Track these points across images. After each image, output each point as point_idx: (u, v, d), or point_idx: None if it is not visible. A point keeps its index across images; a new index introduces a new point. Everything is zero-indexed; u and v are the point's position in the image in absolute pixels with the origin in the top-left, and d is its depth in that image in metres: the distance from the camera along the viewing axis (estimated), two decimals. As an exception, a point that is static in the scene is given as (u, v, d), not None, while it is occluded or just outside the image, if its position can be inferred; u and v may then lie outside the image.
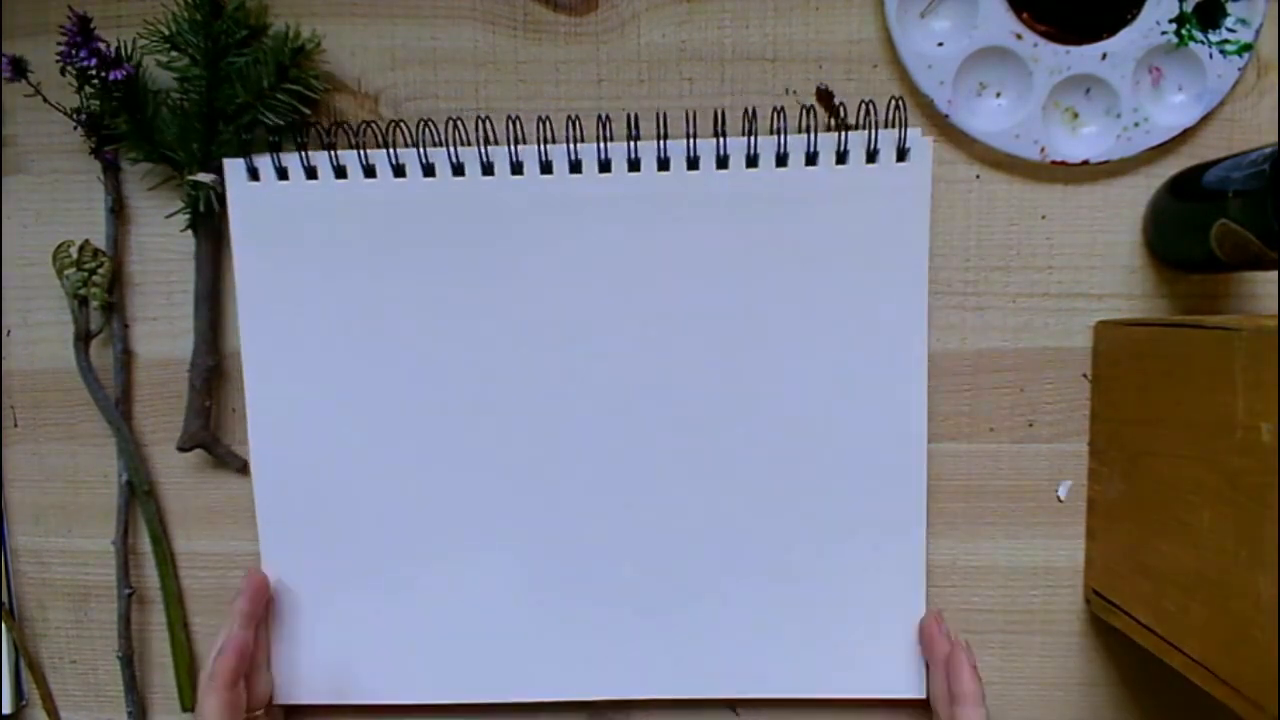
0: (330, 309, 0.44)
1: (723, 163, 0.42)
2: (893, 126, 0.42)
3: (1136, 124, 0.42)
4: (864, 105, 0.42)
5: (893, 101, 0.42)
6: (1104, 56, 0.41)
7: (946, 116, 0.42)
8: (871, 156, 0.42)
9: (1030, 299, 0.44)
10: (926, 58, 0.42)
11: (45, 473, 0.48)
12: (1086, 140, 0.43)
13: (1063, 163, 0.43)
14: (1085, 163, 0.42)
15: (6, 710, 0.49)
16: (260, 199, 0.44)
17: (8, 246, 0.47)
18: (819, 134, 0.42)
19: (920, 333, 0.43)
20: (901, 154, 0.42)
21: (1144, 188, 0.43)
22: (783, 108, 0.42)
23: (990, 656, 0.47)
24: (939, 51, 0.42)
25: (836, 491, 0.44)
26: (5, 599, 0.49)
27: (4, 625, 0.48)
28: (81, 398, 0.47)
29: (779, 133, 0.42)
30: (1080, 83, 0.42)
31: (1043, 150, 0.42)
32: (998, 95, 0.43)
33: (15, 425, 0.48)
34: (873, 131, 0.41)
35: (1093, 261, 0.44)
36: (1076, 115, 0.43)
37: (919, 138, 0.42)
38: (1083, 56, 0.41)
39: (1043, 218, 0.44)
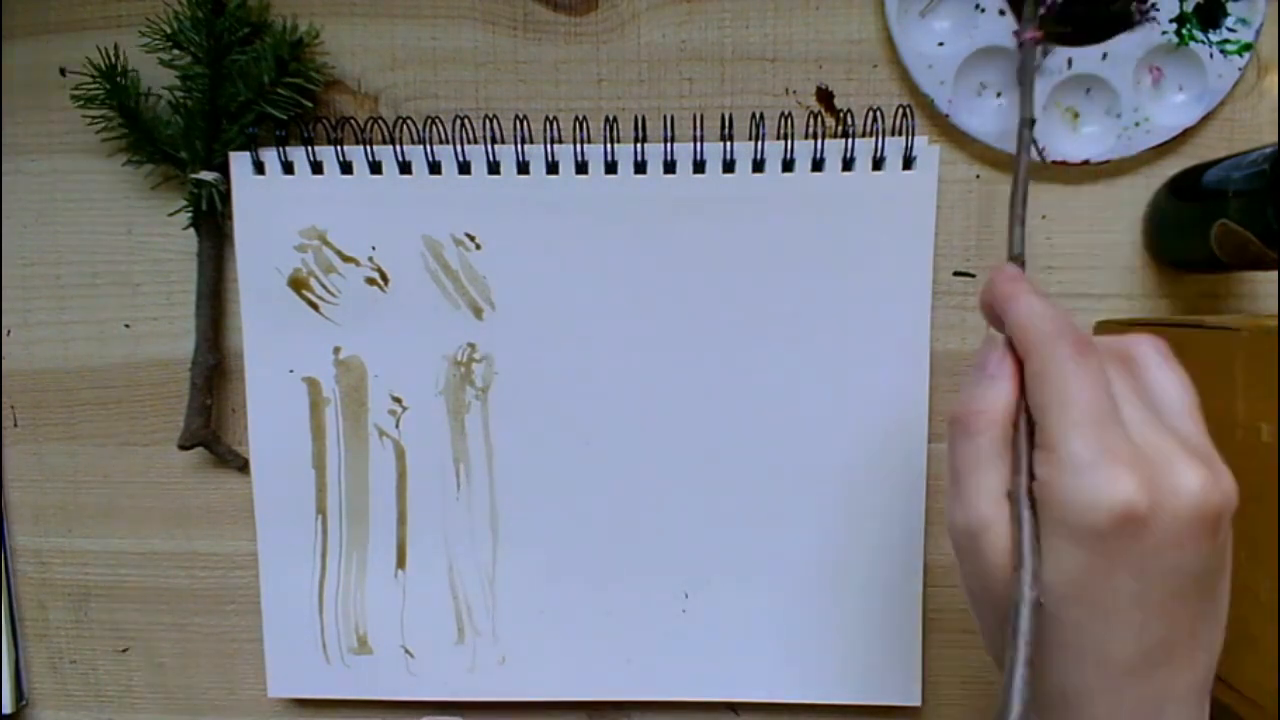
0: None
1: (729, 167, 0.42)
2: (899, 134, 0.42)
3: (1137, 124, 0.42)
4: (871, 112, 0.42)
5: (900, 109, 0.42)
6: (1104, 56, 0.41)
7: (947, 116, 0.42)
8: (878, 164, 0.42)
9: (1030, 299, 0.44)
10: (927, 57, 0.42)
11: (45, 473, 0.48)
12: (1087, 140, 0.43)
13: (1063, 162, 0.43)
14: (1086, 162, 0.42)
15: (6, 710, 0.49)
16: (264, 193, 0.44)
17: (8, 246, 0.47)
18: (825, 140, 0.42)
19: (923, 335, 0.43)
20: (908, 162, 0.42)
21: (1144, 188, 0.43)
22: (790, 113, 0.42)
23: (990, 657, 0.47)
24: (939, 51, 0.42)
25: (837, 491, 0.44)
26: (5, 599, 0.49)
27: (4, 625, 0.48)
28: (81, 398, 0.47)
29: (785, 138, 0.42)
30: (1081, 83, 0.42)
31: (1043, 150, 0.42)
32: (998, 95, 0.43)
33: (15, 425, 0.48)
34: (879, 139, 0.41)
35: (1093, 261, 0.44)
36: (1077, 115, 0.43)
37: (926, 146, 0.42)
38: (1083, 56, 0.41)
39: (1043, 218, 0.44)
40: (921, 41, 0.42)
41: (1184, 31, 0.41)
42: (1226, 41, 0.41)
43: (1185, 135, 0.42)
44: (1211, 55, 0.41)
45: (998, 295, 0.30)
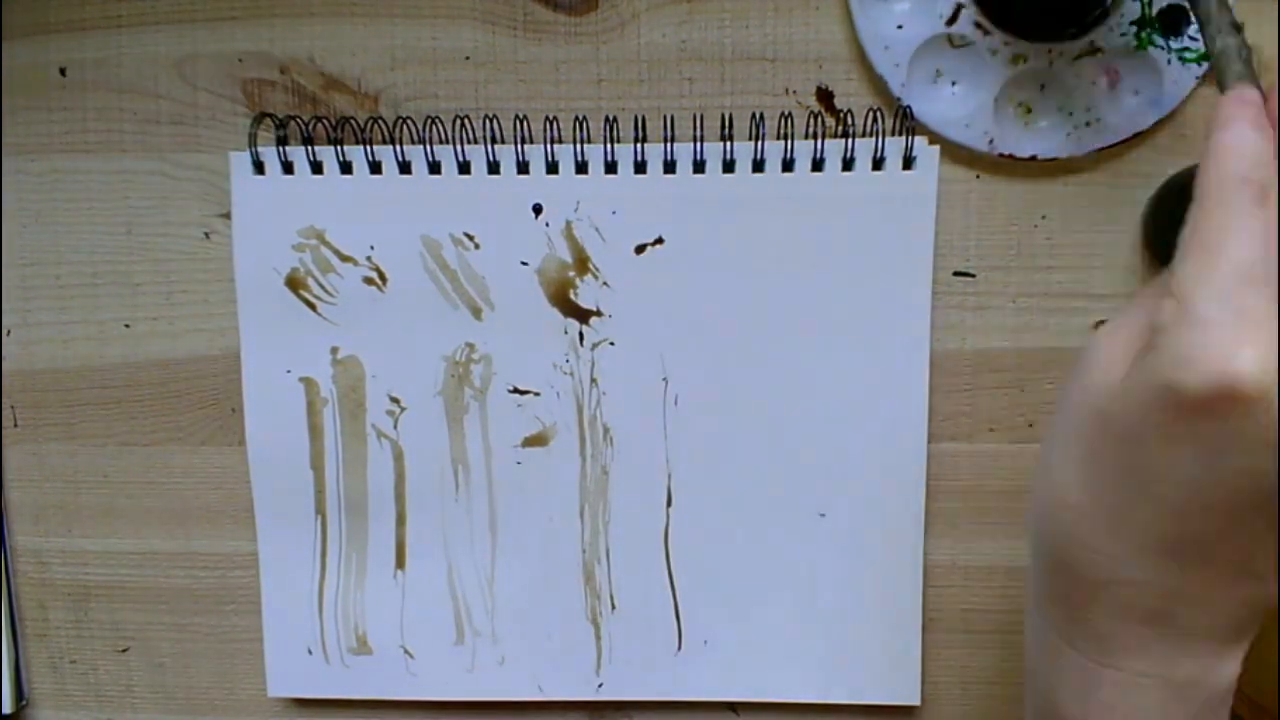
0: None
1: (729, 167, 0.42)
2: (900, 134, 0.42)
3: (1088, 123, 0.42)
4: (871, 112, 0.42)
5: (899, 109, 0.42)
6: (1060, 54, 0.41)
7: (899, 100, 0.42)
8: (878, 164, 0.42)
9: (1030, 299, 0.44)
10: (884, 38, 0.41)
11: (45, 473, 0.48)
12: (1037, 136, 0.42)
13: (1010, 155, 0.42)
14: (1034, 158, 0.42)
15: (6, 710, 0.49)
16: (263, 192, 0.44)
17: (8, 246, 0.47)
18: (825, 140, 0.42)
19: (923, 335, 0.43)
20: (908, 162, 0.42)
21: (1144, 187, 0.43)
22: (790, 113, 0.42)
23: (990, 657, 0.47)
24: (897, 34, 0.41)
25: (835, 491, 0.44)
26: (5, 599, 0.49)
27: (4, 625, 0.48)
28: (81, 398, 0.47)
29: (785, 138, 0.42)
30: (1035, 78, 0.41)
31: (991, 141, 0.42)
32: (953, 84, 0.42)
33: (15, 425, 0.48)
34: (879, 139, 0.41)
35: (1093, 261, 0.44)
36: (1030, 110, 0.42)
37: (926, 146, 0.42)
38: (1040, 52, 0.41)
39: (1043, 217, 0.44)
40: (880, 21, 0.41)
41: (1143, 35, 0.40)
42: (1186, 49, 0.40)
43: (1141, 138, 0.42)
44: (1169, 61, 0.40)
45: (1216, 117, 0.26)
